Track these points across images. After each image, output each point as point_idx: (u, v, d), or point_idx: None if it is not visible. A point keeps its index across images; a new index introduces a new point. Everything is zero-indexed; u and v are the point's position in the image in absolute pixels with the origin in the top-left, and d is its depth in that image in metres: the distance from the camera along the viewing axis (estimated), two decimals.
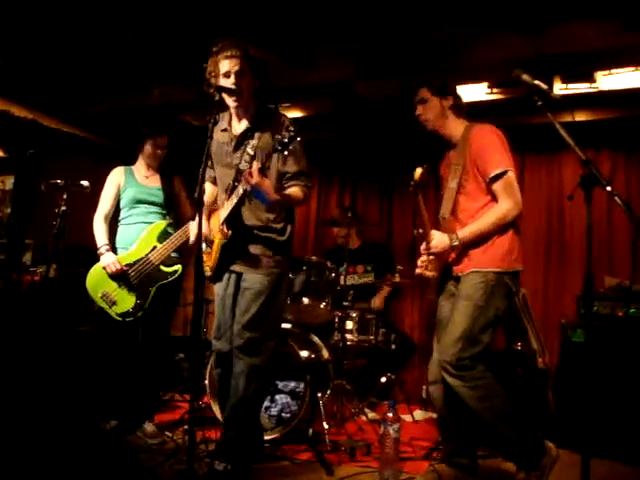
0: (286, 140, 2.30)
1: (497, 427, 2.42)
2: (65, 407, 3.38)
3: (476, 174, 2.55)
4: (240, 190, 2.51)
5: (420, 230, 2.62)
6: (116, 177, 3.39)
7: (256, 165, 2.41)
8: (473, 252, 2.53)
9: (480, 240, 2.50)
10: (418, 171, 2.65)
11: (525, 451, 2.42)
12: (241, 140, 2.67)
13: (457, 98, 2.69)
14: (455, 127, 2.67)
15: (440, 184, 2.81)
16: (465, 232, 2.51)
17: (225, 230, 2.63)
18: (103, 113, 4.95)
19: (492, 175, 2.47)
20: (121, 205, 3.37)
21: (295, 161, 2.63)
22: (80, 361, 3.85)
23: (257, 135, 2.61)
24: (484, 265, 2.49)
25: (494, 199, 2.52)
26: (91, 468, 2.26)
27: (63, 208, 3.22)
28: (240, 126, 2.70)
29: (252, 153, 2.55)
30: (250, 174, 2.38)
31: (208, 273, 2.73)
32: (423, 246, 2.61)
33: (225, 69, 2.54)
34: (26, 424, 2.72)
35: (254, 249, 2.65)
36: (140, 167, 3.44)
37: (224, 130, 2.74)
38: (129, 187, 3.35)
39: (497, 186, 2.48)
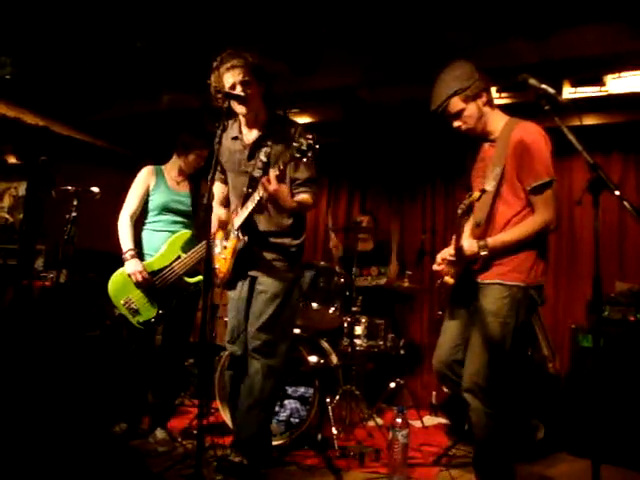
0: (304, 148, 2.30)
1: (492, 462, 2.35)
2: (74, 411, 3.40)
3: (514, 179, 2.37)
4: (256, 197, 2.51)
5: (453, 238, 2.42)
6: (147, 177, 3.29)
7: (273, 173, 2.42)
8: (498, 262, 2.37)
9: (509, 251, 2.35)
10: (476, 194, 2.33)
11: None
12: (254, 148, 2.69)
13: (488, 91, 2.45)
14: (494, 122, 2.45)
15: (469, 177, 2.61)
16: (497, 242, 2.34)
17: (241, 236, 2.66)
18: (113, 120, 4.99)
19: (535, 185, 2.31)
20: (149, 207, 3.28)
21: (307, 168, 2.66)
22: (90, 366, 3.88)
23: (270, 143, 2.64)
24: (509, 279, 2.34)
25: (529, 206, 2.36)
26: (98, 472, 2.28)
27: (74, 214, 3.23)
28: (251, 134, 2.72)
29: (265, 160, 2.59)
30: (268, 181, 2.40)
31: (220, 278, 2.74)
32: (449, 252, 2.44)
33: (230, 81, 2.55)
34: (36, 428, 2.74)
35: (270, 255, 2.70)
36: (172, 170, 3.35)
37: (235, 138, 2.75)
38: (159, 191, 3.28)
39: (538, 198, 2.32)
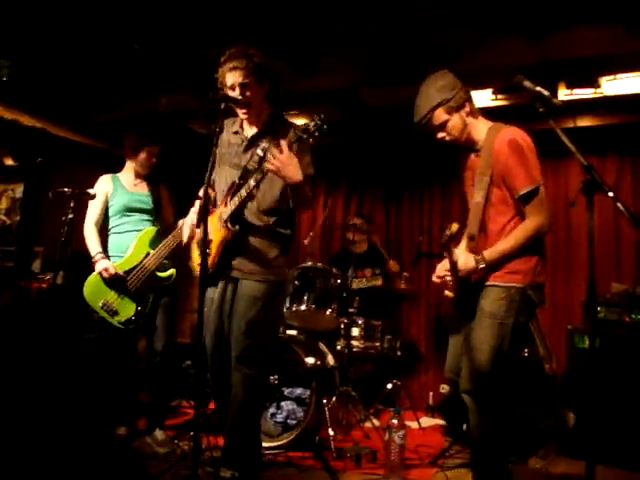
0: (311, 128, 2.32)
1: (489, 463, 2.35)
2: (73, 414, 3.40)
3: (502, 186, 2.37)
4: (252, 183, 2.49)
5: (444, 254, 2.45)
6: (104, 184, 3.40)
7: (284, 142, 2.37)
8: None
9: (506, 259, 2.34)
10: (454, 226, 2.36)
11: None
12: (252, 142, 2.68)
13: (470, 102, 2.47)
14: (477, 130, 2.46)
15: (462, 189, 2.62)
16: (493, 253, 2.33)
17: (230, 227, 2.59)
18: (111, 122, 4.99)
19: (522, 194, 2.30)
20: (110, 213, 3.38)
21: (307, 166, 2.61)
22: (88, 368, 3.87)
23: (268, 138, 2.61)
24: (506, 280, 2.33)
25: (521, 212, 2.35)
26: (96, 474, 2.28)
27: (70, 216, 3.24)
28: (251, 130, 2.72)
29: (261, 155, 2.56)
30: (280, 151, 2.35)
31: (197, 273, 2.65)
32: (445, 266, 2.47)
33: (230, 82, 2.56)
34: (34, 430, 2.74)
35: (254, 252, 2.63)
36: (128, 174, 3.46)
37: (236, 132, 2.76)
38: (118, 195, 3.37)
39: (527, 206, 2.31)
